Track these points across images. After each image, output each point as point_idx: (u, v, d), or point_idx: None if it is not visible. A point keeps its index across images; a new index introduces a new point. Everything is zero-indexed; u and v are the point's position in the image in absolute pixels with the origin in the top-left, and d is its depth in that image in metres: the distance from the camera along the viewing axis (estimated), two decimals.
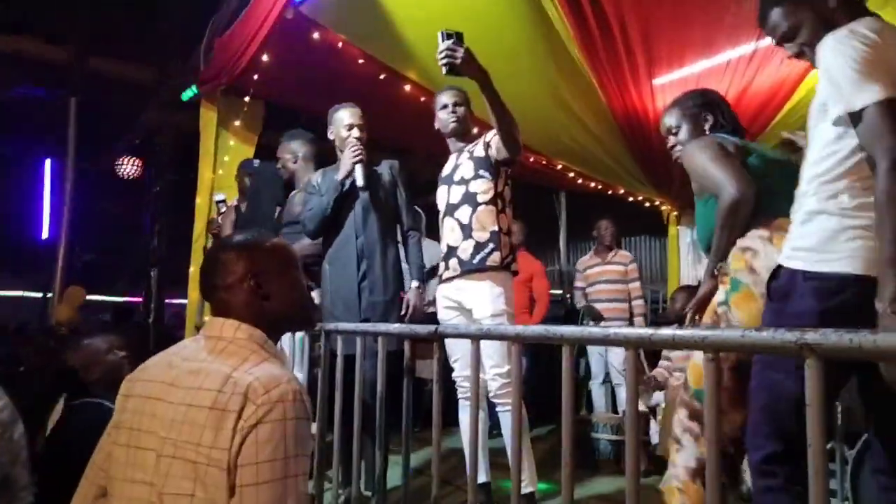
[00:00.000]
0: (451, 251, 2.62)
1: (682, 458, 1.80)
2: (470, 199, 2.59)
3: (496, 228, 2.54)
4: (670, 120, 2.14)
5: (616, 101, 4.20)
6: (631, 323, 4.59)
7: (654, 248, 8.54)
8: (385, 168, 2.95)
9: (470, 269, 2.56)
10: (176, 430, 1.07)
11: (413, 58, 3.96)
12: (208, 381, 1.09)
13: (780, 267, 1.45)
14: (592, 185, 5.82)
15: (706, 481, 1.02)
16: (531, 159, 5.34)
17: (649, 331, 1.16)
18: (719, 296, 1.82)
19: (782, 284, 1.42)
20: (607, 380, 4.75)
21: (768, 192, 1.81)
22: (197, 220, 4.52)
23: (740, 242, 1.79)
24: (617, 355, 4.42)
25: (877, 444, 1.49)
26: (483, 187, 2.58)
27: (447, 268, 2.63)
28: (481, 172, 2.59)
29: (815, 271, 1.34)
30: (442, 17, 3.60)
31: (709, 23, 3.48)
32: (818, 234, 1.36)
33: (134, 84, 5.82)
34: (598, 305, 4.71)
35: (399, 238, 3.00)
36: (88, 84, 5.62)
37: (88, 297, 5.98)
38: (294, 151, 3.24)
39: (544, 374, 4.70)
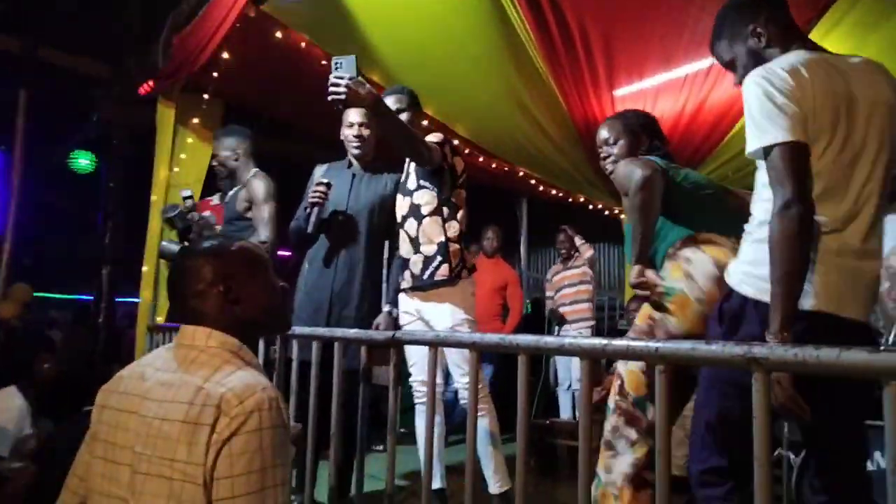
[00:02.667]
0: (405, 263, 2.60)
1: (619, 465, 1.83)
2: (415, 211, 2.56)
3: (442, 239, 2.50)
4: (610, 132, 2.16)
5: (577, 109, 4.27)
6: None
7: (612, 255, 8.69)
8: (387, 180, 2.81)
9: (422, 285, 2.53)
10: (150, 445, 1.04)
11: (377, 61, 3.95)
12: (180, 394, 1.06)
13: (731, 291, 1.48)
14: (553, 192, 5.89)
15: (657, 490, 1.04)
16: (493, 165, 5.37)
17: (603, 341, 1.17)
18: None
19: (733, 308, 1.45)
20: (573, 386, 4.82)
21: (695, 211, 1.89)
22: (151, 219, 4.40)
23: (673, 257, 1.85)
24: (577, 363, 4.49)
25: (812, 463, 1.52)
26: (425, 198, 2.54)
27: (403, 279, 2.61)
28: (422, 182, 2.55)
29: (765, 301, 1.36)
30: (405, 21, 3.61)
31: (668, 37, 3.57)
32: (767, 264, 1.39)
33: (88, 78, 5.65)
34: (562, 309, 4.80)
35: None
36: (40, 76, 5.43)
37: (37, 295, 5.78)
38: (233, 148, 3.14)
39: (506, 381, 4.73)
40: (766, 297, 1.36)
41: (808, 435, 1.54)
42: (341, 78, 2.08)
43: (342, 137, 2.81)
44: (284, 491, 1.05)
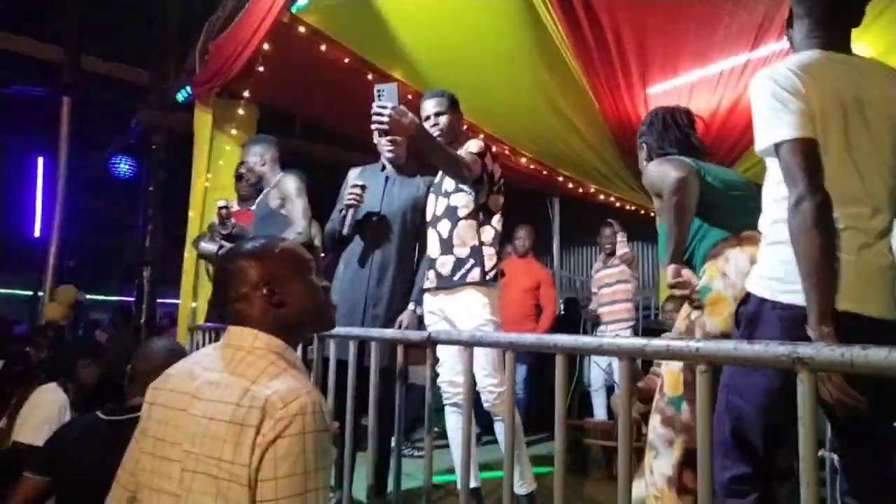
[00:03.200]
0: (432, 263, 2.60)
1: (659, 466, 1.81)
2: (451, 213, 2.56)
3: (477, 243, 2.51)
4: (640, 130, 2.18)
5: (609, 108, 4.23)
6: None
7: (647, 254, 8.58)
8: (419, 182, 2.84)
9: (449, 286, 2.54)
10: (198, 443, 1.06)
11: (407, 61, 3.98)
12: (227, 394, 1.08)
13: (748, 294, 1.46)
14: (583, 190, 5.85)
15: (698, 493, 1.03)
16: (525, 164, 5.36)
17: (643, 341, 1.16)
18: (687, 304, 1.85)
19: (750, 311, 1.44)
20: (607, 384, 4.77)
21: (730, 210, 1.86)
22: (191, 222, 4.51)
23: (713, 252, 1.83)
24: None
25: (842, 464, 1.50)
26: (462, 201, 2.54)
27: (428, 278, 2.63)
28: (461, 186, 2.54)
29: (782, 302, 1.35)
30: (435, 21, 3.63)
31: (703, 33, 3.51)
32: (783, 264, 1.37)
33: (128, 84, 5.82)
34: (600, 309, 4.74)
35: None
36: (82, 83, 5.61)
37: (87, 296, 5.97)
38: (261, 154, 3.28)
39: (539, 381, 4.72)
40: (782, 298, 1.35)
41: (840, 436, 1.51)
42: (384, 107, 2.11)
43: (375, 141, 2.84)
44: (325, 494, 1.06)
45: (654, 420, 1.86)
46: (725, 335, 1.75)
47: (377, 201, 2.81)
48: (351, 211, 2.72)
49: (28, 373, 3.30)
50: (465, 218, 2.53)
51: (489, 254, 2.52)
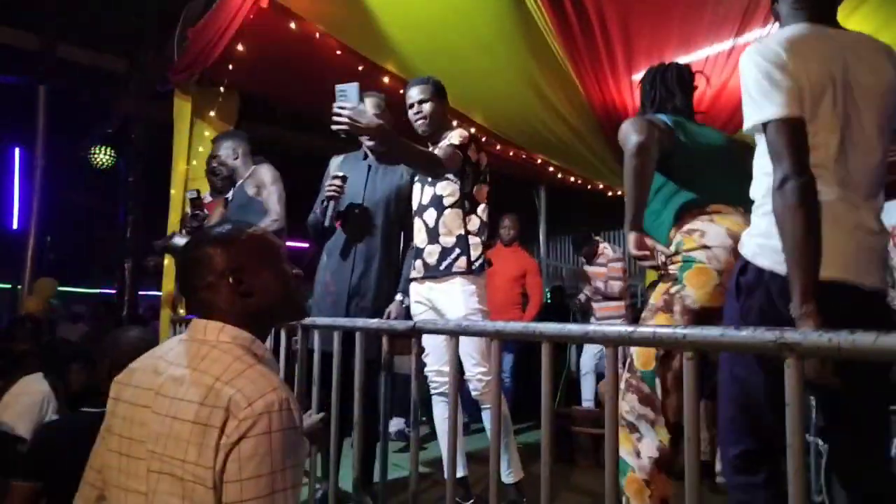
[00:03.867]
0: (419, 252, 2.59)
1: (646, 449, 1.79)
2: (436, 201, 2.55)
3: (462, 232, 2.50)
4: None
5: (595, 94, 4.21)
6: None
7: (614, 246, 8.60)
8: (402, 170, 2.81)
9: (435, 275, 2.53)
10: (162, 443, 1.02)
11: (391, 50, 3.93)
12: (191, 393, 1.03)
13: (746, 263, 1.46)
14: (572, 179, 5.84)
15: (686, 479, 1.02)
16: (511, 153, 5.34)
17: (629, 328, 1.15)
18: (672, 276, 1.83)
19: (749, 281, 1.43)
20: (598, 370, 4.78)
21: (702, 175, 1.85)
22: (172, 212, 4.45)
23: (682, 228, 1.83)
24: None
25: (833, 449, 1.50)
26: (448, 190, 2.53)
27: (414, 268, 2.61)
28: (447, 174, 2.53)
29: (781, 273, 1.34)
30: (420, 9, 3.58)
31: (688, 19, 3.50)
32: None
33: (106, 73, 5.71)
34: (594, 304, 4.76)
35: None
36: (59, 72, 5.49)
37: (60, 289, 5.87)
38: (233, 148, 3.29)
39: (526, 370, 4.72)
40: (779, 268, 1.35)
41: (830, 419, 1.51)
42: (343, 108, 2.07)
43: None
44: (295, 493, 1.02)
45: (631, 399, 1.83)
46: (706, 309, 1.74)
47: (360, 190, 2.78)
48: (332, 203, 2.69)
49: (14, 365, 3.25)
50: (451, 207, 2.52)
51: (474, 243, 2.51)
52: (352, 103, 2.08)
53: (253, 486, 0.97)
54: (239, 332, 1.13)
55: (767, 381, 1.37)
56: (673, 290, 1.81)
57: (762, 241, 1.42)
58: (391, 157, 2.34)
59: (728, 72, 3.83)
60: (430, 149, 2.62)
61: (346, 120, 2.07)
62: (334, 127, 2.09)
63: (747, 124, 1.41)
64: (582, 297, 4.85)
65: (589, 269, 4.85)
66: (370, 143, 2.77)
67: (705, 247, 1.77)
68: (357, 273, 2.71)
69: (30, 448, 1.93)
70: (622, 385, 1.88)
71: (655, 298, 1.86)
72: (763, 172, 1.44)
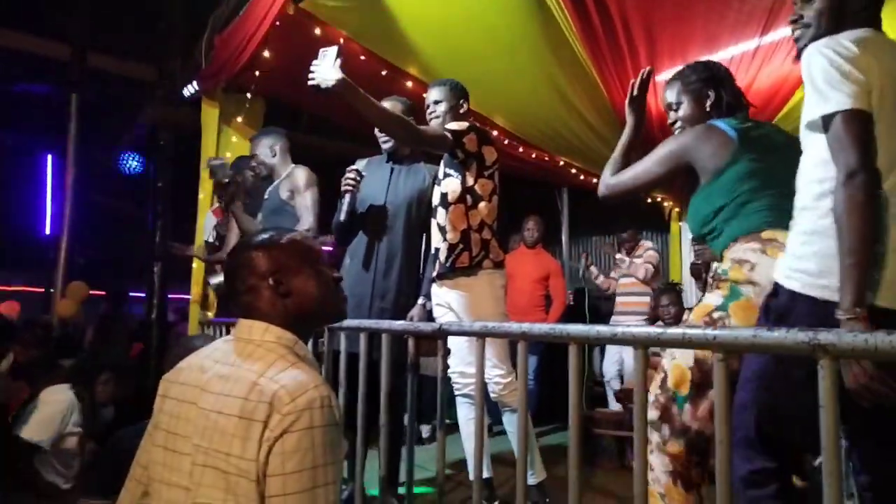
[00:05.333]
0: (435, 252, 2.62)
1: (658, 464, 1.77)
2: (443, 199, 2.57)
3: (465, 227, 2.51)
4: (671, 95, 2.06)
5: (618, 96, 4.18)
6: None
7: (655, 244, 8.51)
8: (425, 173, 2.84)
9: (445, 273, 2.55)
10: (207, 437, 1.06)
11: (414, 53, 3.95)
12: (236, 388, 1.07)
13: (778, 286, 1.43)
14: (594, 181, 5.79)
15: (717, 485, 1.02)
16: (533, 155, 5.32)
17: (658, 330, 1.15)
18: (714, 300, 1.78)
19: (781, 304, 1.40)
20: (621, 374, 4.76)
21: (747, 204, 1.78)
22: (200, 216, 4.52)
23: (734, 253, 1.77)
24: (629, 355, 4.43)
25: (854, 447, 1.47)
26: (451, 186, 2.55)
27: (434, 268, 2.64)
28: (448, 171, 2.56)
29: (817, 297, 1.31)
30: (441, 13, 3.59)
31: (712, 18, 3.46)
32: (817, 257, 1.34)
33: (135, 81, 5.82)
34: (619, 298, 4.74)
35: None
36: (90, 80, 5.61)
37: (92, 293, 5.99)
38: (271, 146, 3.28)
39: (550, 372, 4.71)
40: (814, 292, 1.32)
41: (857, 424, 1.48)
42: (317, 65, 2.16)
43: (376, 133, 2.84)
44: (335, 489, 1.05)
45: (652, 413, 1.80)
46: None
47: (382, 193, 2.81)
48: (347, 197, 2.72)
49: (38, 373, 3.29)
50: (455, 203, 2.53)
51: (475, 239, 2.50)
52: (329, 62, 2.16)
53: (296, 480, 1.00)
54: (283, 333, 1.18)
55: (794, 396, 1.34)
56: (716, 315, 1.75)
57: (794, 264, 1.39)
58: (360, 109, 2.31)
59: (753, 72, 3.79)
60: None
61: (316, 75, 2.16)
62: (309, 83, 2.18)
63: (810, 117, 1.36)
64: (593, 269, 4.87)
65: (625, 260, 4.81)
66: (385, 146, 2.81)
67: (752, 283, 1.70)
68: (379, 275, 2.74)
69: (101, 467, 1.93)
70: (650, 397, 1.84)
71: (697, 317, 1.82)
72: (808, 181, 1.39)
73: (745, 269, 1.73)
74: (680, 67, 2.11)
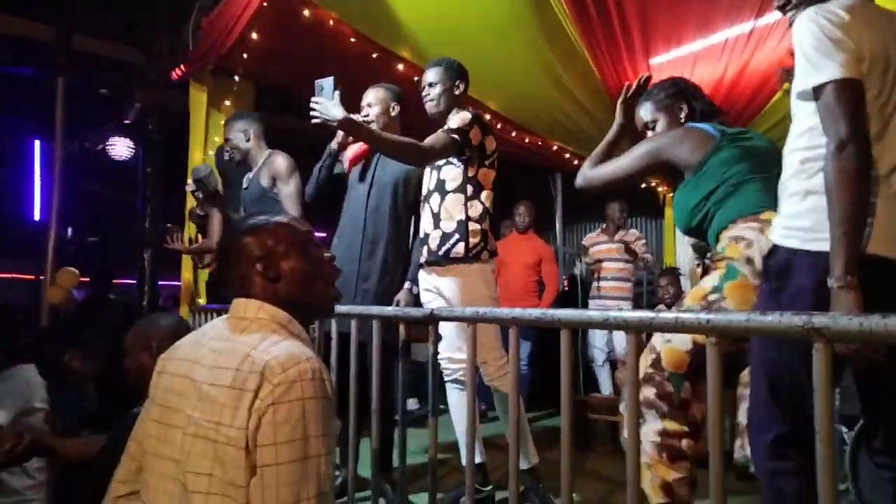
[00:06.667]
0: (424, 238, 2.59)
1: (647, 432, 1.78)
2: (440, 186, 2.54)
3: (462, 217, 2.48)
4: (645, 114, 2.12)
5: (612, 79, 4.15)
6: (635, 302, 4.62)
7: (650, 229, 8.52)
8: None
9: (436, 260, 2.53)
10: (199, 408, 1.07)
11: (405, 37, 3.90)
12: (229, 360, 1.09)
13: (775, 246, 1.43)
14: None
15: (710, 465, 1.01)
16: (527, 139, 5.29)
17: (650, 314, 1.14)
18: (712, 280, 1.78)
19: (779, 262, 1.41)
20: (608, 359, 4.77)
21: (741, 185, 1.80)
22: (189, 201, 4.48)
23: (732, 232, 1.77)
24: (620, 337, 4.44)
25: (872, 427, 1.47)
26: (451, 174, 2.52)
27: (422, 254, 2.61)
28: (450, 158, 2.52)
29: (813, 250, 1.32)
30: None
31: (706, 1, 3.43)
32: (812, 213, 1.35)
33: (122, 64, 5.73)
34: (602, 283, 4.72)
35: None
36: (76, 64, 5.52)
37: (81, 279, 5.94)
38: (244, 129, 3.19)
39: (544, 357, 4.71)
40: (811, 246, 1.33)
41: (869, 401, 1.48)
42: (318, 103, 2.21)
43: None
44: (328, 461, 1.05)
45: (647, 391, 1.81)
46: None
47: (369, 174, 2.80)
48: (334, 146, 2.81)
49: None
50: (453, 191, 2.51)
51: (474, 229, 2.48)
52: (327, 97, 2.21)
53: (287, 449, 1.00)
54: (277, 311, 1.19)
55: (801, 362, 1.34)
56: (711, 297, 1.76)
57: (788, 223, 1.40)
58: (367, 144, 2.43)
59: (748, 54, 3.76)
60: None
61: (318, 113, 2.21)
62: (312, 120, 2.24)
63: (801, 87, 1.36)
64: (586, 264, 4.86)
65: (609, 245, 4.79)
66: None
67: (749, 260, 1.71)
68: (364, 256, 2.73)
69: (104, 449, 1.89)
70: (641, 376, 1.85)
71: (692, 300, 1.81)
72: (797, 149, 1.40)
73: (741, 246, 1.73)
74: (653, 83, 2.17)
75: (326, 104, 2.18)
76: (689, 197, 1.89)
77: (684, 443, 1.77)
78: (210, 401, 1.06)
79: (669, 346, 1.80)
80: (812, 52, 1.32)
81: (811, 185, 1.36)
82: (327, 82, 2.22)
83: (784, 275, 1.38)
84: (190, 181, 3.49)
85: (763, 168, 1.83)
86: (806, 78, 1.34)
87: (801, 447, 1.36)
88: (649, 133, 2.10)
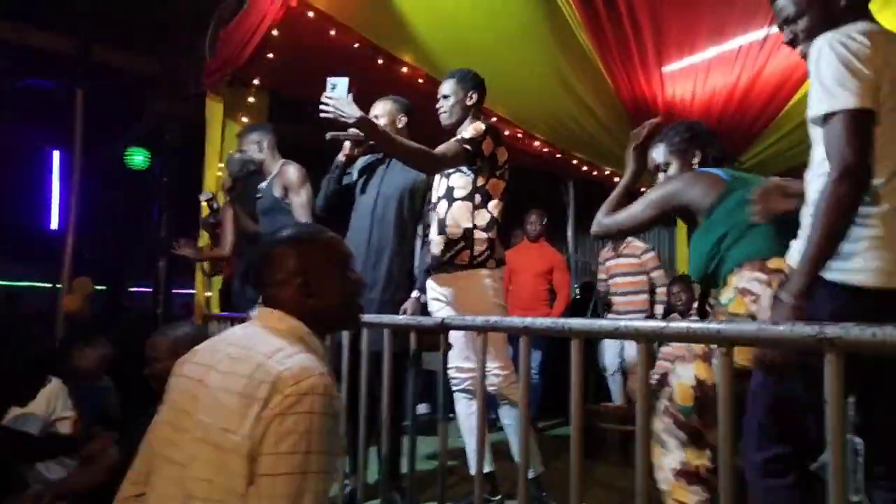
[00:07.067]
0: (430, 244, 2.61)
1: (669, 461, 1.82)
2: (448, 193, 2.55)
3: (469, 225, 2.49)
4: (658, 156, 2.13)
5: (625, 88, 4.15)
6: (651, 314, 4.52)
7: (662, 238, 8.47)
8: None
9: (441, 267, 2.53)
10: (208, 413, 1.08)
11: (418, 44, 3.92)
12: (242, 368, 1.09)
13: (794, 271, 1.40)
14: (598, 173, 5.77)
15: (719, 479, 1.00)
16: (538, 147, 5.29)
17: (661, 324, 1.13)
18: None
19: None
20: (620, 368, 4.72)
21: (752, 229, 1.77)
22: (204, 211, 4.52)
23: (739, 281, 1.75)
24: (632, 347, 4.39)
25: (873, 451, 1.45)
26: (460, 182, 2.53)
27: (427, 261, 2.62)
28: (460, 167, 2.53)
29: (834, 280, 1.30)
30: (446, 3, 3.57)
31: (720, 8, 3.43)
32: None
33: (140, 75, 5.81)
34: (615, 298, 4.67)
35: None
36: (95, 75, 5.61)
37: (98, 287, 6.00)
38: (258, 141, 3.26)
39: (555, 367, 4.68)
40: (828, 275, 1.31)
41: (873, 419, 1.46)
42: (330, 98, 2.17)
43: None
44: (326, 479, 1.04)
45: (666, 421, 1.85)
46: (744, 370, 1.68)
47: (376, 184, 2.82)
48: (342, 159, 2.78)
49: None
50: (462, 199, 2.52)
51: (480, 238, 2.49)
52: (339, 94, 2.18)
53: (287, 461, 1.00)
54: (297, 323, 1.20)
55: (804, 387, 1.34)
56: (713, 345, 1.76)
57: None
58: (379, 148, 2.40)
59: (762, 61, 3.74)
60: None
61: (332, 109, 2.17)
62: (322, 115, 2.20)
63: (814, 112, 1.36)
64: (603, 287, 4.78)
65: (618, 261, 4.75)
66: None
67: (753, 318, 1.69)
68: (369, 265, 2.74)
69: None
70: (660, 406, 1.89)
71: (699, 347, 1.83)
72: (816, 175, 1.39)
73: (747, 300, 1.71)
74: (666, 126, 2.19)
75: (342, 102, 2.17)
76: (702, 242, 1.88)
77: (702, 470, 1.78)
78: (220, 406, 1.06)
79: (679, 382, 1.83)
80: (829, 80, 1.31)
81: None
82: (341, 81, 2.20)
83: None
84: (203, 192, 3.55)
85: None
86: (820, 104, 1.34)
87: (796, 465, 1.36)
88: (661, 176, 2.12)
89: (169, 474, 1.10)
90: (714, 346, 1.70)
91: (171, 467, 1.10)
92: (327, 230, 1.33)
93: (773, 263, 1.71)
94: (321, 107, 2.18)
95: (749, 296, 1.72)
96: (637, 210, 2.00)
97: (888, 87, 1.30)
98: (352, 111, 2.17)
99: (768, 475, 1.42)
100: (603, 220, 2.12)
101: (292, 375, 1.04)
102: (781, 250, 1.67)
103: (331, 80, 2.21)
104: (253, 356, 1.11)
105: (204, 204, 3.64)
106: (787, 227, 1.73)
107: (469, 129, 2.49)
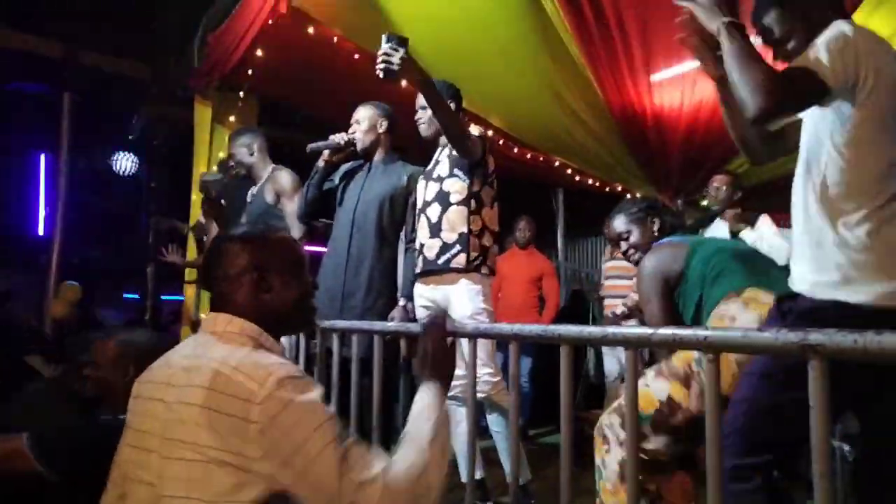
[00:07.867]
0: (420, 248, 2.60)
1: (611, 462, 1.86)
2: (442, 197, 2.56)
3: (465, 230, 2.50)
4: (619, 226, 2.23)
5: (613, 96, 4.18)
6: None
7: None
8: (401, 173, 2.82)
9: (433, 270, 2.53)
10: (171, 429, 1.06)
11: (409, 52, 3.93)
12: (198, 378, 1.07)
13: (796, 294, 1.41)
14: (590, 181, 5.80)
15: (707, 484, 1.01)
16: (528, 155, 5.32)
17: (649, 330, 1.14)
18: (695, 352, 1.78)
19: (804, 307, 1.38)
20: (621, 375, 4.72)
21: (721, 273, 1.87)
22: (192, 216, 4.50)
23: (717, 310, 1.82)
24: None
25: (867, 459, 1.46)
26: (456, 187, 2.54)
27: (417, 265, 2.62)
28: (456, 171, 2.55)
29: (842, 301, 1.30)
30: (436, 12, 3.58)
31: None
32: (839, 268, 1.32)
33: (128, 80, 5.79)
34: (607, 301, 4.68)
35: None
36: (82, 79, 5.58)
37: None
38: (248, 144, 3.23)
39: (544, 374, 4.68)
40: (840, 297, 1.31)
41: (865, 427, 1.47)
42: (396, 50, 2.15)
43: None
44: (339, 439, 1.05)
45: (615, 420, 1.89)
46: (724, 396, 1.71)
47: (356, 192, 2.81)
48: (322, 165, 2.81)
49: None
50: (457, 204, 2.53)
51: (475, 244, 2.51)
52: (402, 50, 2.19)
53: (312, 444, 1.01)
54: (247, 324, 1.17)
55: (789, 398, 1.33)
56: (694, 367, 1.80)
57: (815, 279, 1.37)
58: (430, 105, 2.42)
59: None
60: (439, 151, 2.68)
61: (400, 61, 2.17)
62: (382, 66, 2.19)
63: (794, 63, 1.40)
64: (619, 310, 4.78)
65: (611, 263, 4.76)
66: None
67: None
68: (350, 273, 2.72)
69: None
70: (614, 403, 1.94)
71: (678, 362, 1.85)
72: (815, 186, 1.39)
73: (725, 321, 1.78)
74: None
75: (406, 59, 2.18)
76: (686, 311, 1.96)
77: (647, 480, 1.84)
78: (182, 421, 1.04)
79: (647, 391, 1.84)
80: (822, 44, 1.34)
81: (836, 232, 1.34)
82: (394, 36, 2.19)
83: (805, 318, 1.34)
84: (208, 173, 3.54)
85: (736, 254, 1.94)
86: (800, 58, 1.38)
87: (764, 471, 1.39)
88: (623, 243, 2.22)
89: (140, 496, 1.08)
90: (695, 371, 1.77)
91: (142, 488, 1.08)
92: (283, 229, 1.32)
93: (747, 294, 1.80)
94: (382, 58, 2.17)
95: (727, 317, 1.79)
96: (652, 311, 2.01)
97: (871, 86, 1.32)
98: (416, 68, 2.22)
99: (735, 480, 1.43)
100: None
101: (254, 380, 1.03)
102: (753, 283, 1.79)
103: (387, 34, 2.21)
104: (205, 364, 1.08)
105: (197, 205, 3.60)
106: (754, 265, 1.90)
107: (474, 129, 2.56)
